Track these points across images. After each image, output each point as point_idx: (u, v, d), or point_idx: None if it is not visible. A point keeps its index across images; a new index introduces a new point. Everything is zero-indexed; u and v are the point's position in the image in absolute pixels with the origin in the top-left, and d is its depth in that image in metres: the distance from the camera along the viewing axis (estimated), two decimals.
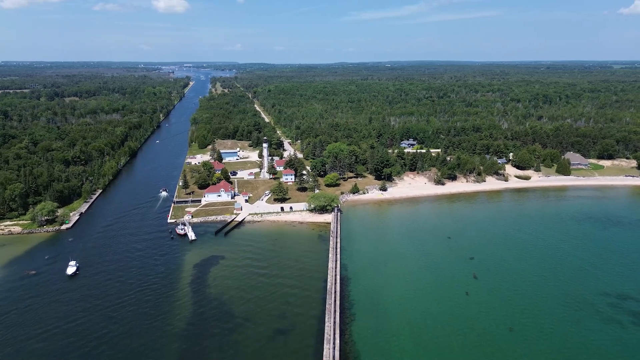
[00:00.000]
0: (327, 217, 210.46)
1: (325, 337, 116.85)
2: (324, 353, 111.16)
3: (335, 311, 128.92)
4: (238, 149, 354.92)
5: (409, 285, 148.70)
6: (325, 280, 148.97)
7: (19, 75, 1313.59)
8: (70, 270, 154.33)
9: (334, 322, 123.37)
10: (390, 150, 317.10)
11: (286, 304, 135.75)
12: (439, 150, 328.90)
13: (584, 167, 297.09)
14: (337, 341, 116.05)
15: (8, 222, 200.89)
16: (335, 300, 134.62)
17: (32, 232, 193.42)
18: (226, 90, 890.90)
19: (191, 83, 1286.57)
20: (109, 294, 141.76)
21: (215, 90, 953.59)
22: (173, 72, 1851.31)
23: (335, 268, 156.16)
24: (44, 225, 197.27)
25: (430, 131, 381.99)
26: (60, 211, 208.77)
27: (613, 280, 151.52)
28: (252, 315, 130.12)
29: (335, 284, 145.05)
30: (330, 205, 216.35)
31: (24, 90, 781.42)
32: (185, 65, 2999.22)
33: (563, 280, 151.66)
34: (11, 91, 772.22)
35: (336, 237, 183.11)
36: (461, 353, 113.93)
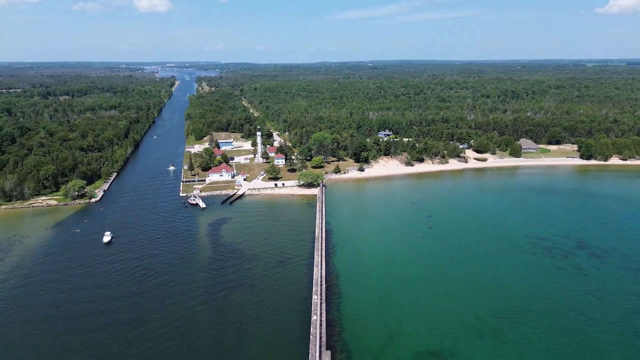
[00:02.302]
0: (314, 191, 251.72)
1: (314, 263, 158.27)
2: (314, 273, 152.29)
3: (321, 249, 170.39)
4: (232, 140, 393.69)
5: (378, 234, 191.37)
6: (314, 232, 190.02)
7: (2, 75, 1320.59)
8: (106, 239, 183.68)
9: (321, 256, 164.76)
10: (368, 140, 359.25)
11: (284, 246, 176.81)
12: (411, 138, 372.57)
13: (533, 150, 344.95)
14: (324, 266, 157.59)
15: (44, 197, 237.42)
16: (321, 243, 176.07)
17: (67, 204, 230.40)
18: (213, 89, 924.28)
19: (177, 82, 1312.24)
20: (144, 246, 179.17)
21: (203, 88, 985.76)
22: (157, 72, 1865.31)
23: (322, 223, 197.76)
24: (76, 199, 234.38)
25: (405, 123, 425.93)
26: (87, 188, 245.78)
27: (535, 229, 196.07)
28: (258, 253, 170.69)
29: (322, 232, 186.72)
30: (316, 181, 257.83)
31: (17, 90, 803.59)
32: (167, 65, 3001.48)
33: (497, 229, 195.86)
34: (4, 90, 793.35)
35: (322, 203, 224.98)
36: (414, 273, 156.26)
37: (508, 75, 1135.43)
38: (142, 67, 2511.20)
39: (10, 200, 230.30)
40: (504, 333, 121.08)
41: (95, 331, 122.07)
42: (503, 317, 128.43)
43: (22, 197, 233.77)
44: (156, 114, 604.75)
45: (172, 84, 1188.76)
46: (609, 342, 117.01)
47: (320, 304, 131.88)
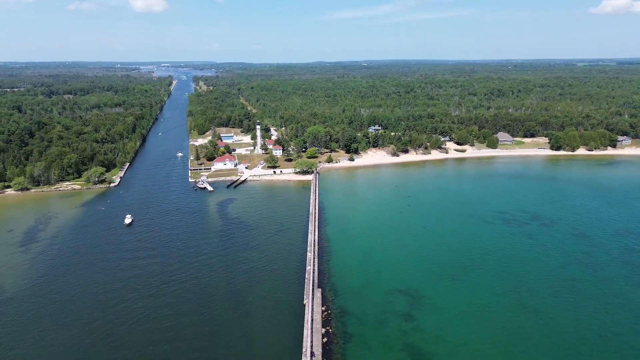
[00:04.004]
0: (309, 177, 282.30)
1: (309, 231, 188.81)
2: (308, 237, 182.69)
3: (315, 220, 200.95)
4: (232, 134, 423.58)
5: (364, 210, 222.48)
6: (308, 209, 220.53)
7: (0, 75, 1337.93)
8: (127, 220, 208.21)
9: (315, 225, 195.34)
10: (358, 133, 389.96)
11: (282, 219, 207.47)
12: (398, 132, 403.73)
13: (509, 142, 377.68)
14: (317, 232, 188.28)
15: (68, 182, 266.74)
16: (315, 216, 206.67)
17: (89, 189, 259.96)
18: (211, 88, 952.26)
19: (174, 82, 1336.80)
20: (163, 220, 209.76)
21: (200, 87, 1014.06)
22: (154, 72, 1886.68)
23: (315, 201, 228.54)
24: (97, 184, 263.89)
25: (393, 118, 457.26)
26: (106, 175, 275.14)
27: (499, 205, 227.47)
28: (261, 224, 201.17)
29: (315, 209, 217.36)
30: (311, 169, 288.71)
31: (20, 89, 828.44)
32: (163, 64, 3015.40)
33: (467, 206, 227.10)
34: (8, 90, 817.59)
35: (316, 187, 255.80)
36: (392, 237, 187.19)
37: (498, 75, 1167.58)
38: (137, 66, 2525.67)
39: (39, 185, 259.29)
40: (460, 278, 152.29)
41: (130, 279, 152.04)
42: (460, 267, 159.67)
43: (49, 182, 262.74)
44: (158, 112, 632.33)
45: (170, 83, 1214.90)
46: (539, 284, 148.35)
47: (313, 258, 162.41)
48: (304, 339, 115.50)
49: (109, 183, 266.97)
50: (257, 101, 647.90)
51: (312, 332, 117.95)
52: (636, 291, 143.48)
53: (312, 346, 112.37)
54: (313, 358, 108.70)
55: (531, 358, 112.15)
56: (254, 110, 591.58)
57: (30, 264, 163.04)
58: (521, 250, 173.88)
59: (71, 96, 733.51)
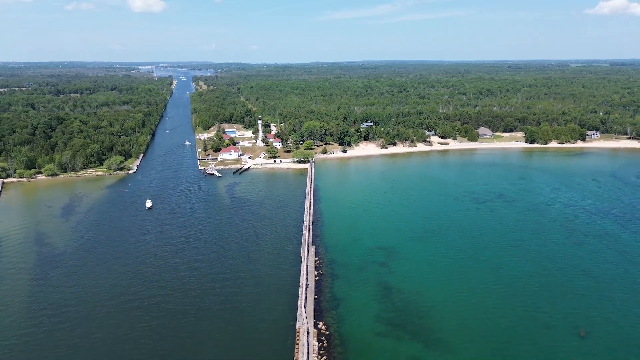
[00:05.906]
0: (306, 166, 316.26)
1: (305, 206, 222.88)
2: (305, 211, 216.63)
3: (311, 198, 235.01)
4: (235, 129, 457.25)
5: (353, 191, 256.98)
6: (305, 190, 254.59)
7: (1, 75, 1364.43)
8: (148, 204, 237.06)
9: (310, 202, 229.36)
10: (351, 129, 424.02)
11: (283, 198, 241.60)
12: (388, 127, 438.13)
13: (488, 137, 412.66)
14: (312, 207, 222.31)
15: (91, 170, 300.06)
16: (310, 195, 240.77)
17: (111, 174, 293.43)
18: (211, 88, 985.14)
19: (174, 82, 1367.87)
20: (180, 200, 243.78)
21: (201, 87, 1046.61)
22: (153, 72, 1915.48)
23: (311, 184, 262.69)
24: (117, 170, 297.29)
25: (384, 115, 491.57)
26: (125, 163, 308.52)
27: (470, 187, 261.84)
28: (263, 202, 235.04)
29: (311, 190, 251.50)
30: (307, 159, 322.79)
31: (28, 88, 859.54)
32: (161, 64, 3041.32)
33: (442, 188, 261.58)
34: (16, 89, 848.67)
35: (311, 172, 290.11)
36: (374, 211, 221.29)
37: (490, 75, 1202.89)
38: (136, 66, 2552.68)
39: (66, 171, 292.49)
40: (428, 238, 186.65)
41: (159, 241, 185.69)
42: (429, 231, 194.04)
43: (75, 169, 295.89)
44: (163, 110, 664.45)
45: (171, 83, 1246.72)
46: (493, 243, 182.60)
47: (309, 226, 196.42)
48: (301, 277, 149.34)
49: (128, 170, 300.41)
50: (257, 100, 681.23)
51: (307, 272, 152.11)
52: (569, 248, 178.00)
53: (307, 280, 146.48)
54: (307, 288, 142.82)
55: (476, 289, 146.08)
56: (254, 108, 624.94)
57: (73, 230, 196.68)
58: (482, 220, 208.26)
59: (78, 95, 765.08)
